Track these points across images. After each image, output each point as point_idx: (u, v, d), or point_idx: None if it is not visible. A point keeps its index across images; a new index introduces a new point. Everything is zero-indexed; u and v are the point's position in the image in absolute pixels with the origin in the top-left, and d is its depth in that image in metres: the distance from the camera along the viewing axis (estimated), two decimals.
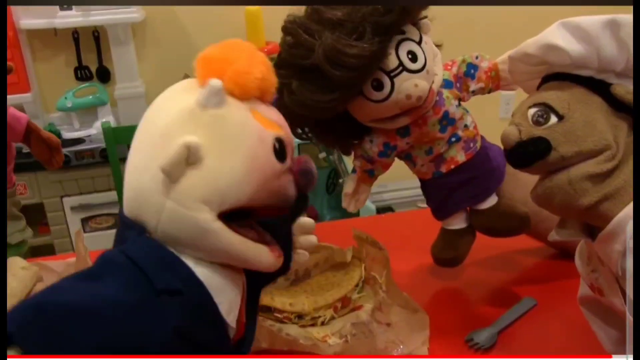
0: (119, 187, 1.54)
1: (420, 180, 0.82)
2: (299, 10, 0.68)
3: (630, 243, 0.51)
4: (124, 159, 0.51)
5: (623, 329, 0.56)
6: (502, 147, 0.58)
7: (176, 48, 2.08)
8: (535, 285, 0.86)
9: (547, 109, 0.55)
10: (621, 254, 0.52)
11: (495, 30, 2.15)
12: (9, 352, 0.39)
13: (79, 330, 0.41)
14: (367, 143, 0.76)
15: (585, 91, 0.56)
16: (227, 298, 0.49)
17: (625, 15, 0.53)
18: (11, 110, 1.16)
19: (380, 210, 2.18)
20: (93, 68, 2.09)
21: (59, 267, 0.83)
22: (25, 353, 0.39)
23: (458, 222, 0.81)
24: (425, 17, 0.71)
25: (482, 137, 0.79)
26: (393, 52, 0.67)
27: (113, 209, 1.94)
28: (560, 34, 0.56)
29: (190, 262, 0.47)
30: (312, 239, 0.64)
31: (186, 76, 0.52)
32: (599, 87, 0.56)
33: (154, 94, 0.49)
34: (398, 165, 0.81)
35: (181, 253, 0.47)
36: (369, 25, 0.64)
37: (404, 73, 0.67)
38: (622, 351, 0.61)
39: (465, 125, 0.77)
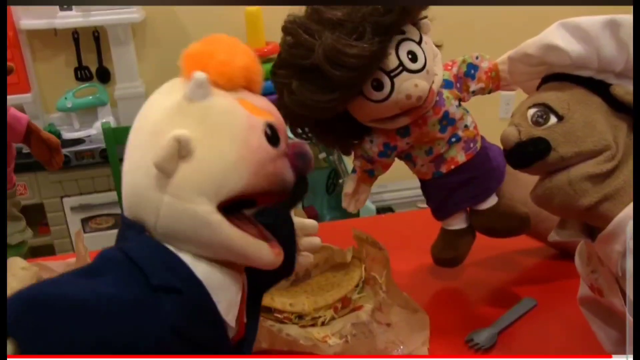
0: (118, 187, 1.54)
1: (420, 180, 0.82)
2: (299, 10, 0.68)
3: (630, 243, 0.50)
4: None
5: (623, 329, 0.56)
6: (502, 147, 0.58)
7: (176, 48, 2.00)
8: (535, 285, 0.86)
9: (547, 109, 0.55)
10: (621, 255, 0.52)
11: (495, 31, 2.14)
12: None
13: (73, 323, 0.41)
14: (367, 143, 0.76)
15: (585, 92, 0.56)
16: (226, 297, 0.48)
17: (625, 16, 0.53)
18: (11, 111, 1.16)
19: (380, 210, 2.18)
20: (93, 68, 2.09)
21: (59, 268, 0.83)
22: (19, 343, 0.39)
23: (458, 223, 0.81)
24: (425, 17, 0.71)
25: (482, 138, 0.79)
26: (393, 52, 0.67)
27: (113, 210, 1.94)
28: (560, 34, 0.56)
29: (189, 260, 0.47)
30: (315, 240, 0.64)
31: None
32: (598, 87, 0.56)
33: None
34: (398, 165, 0.81)
35: (180, 250, 0.47)
36: (369, 25, 0.64)
37: (404, 73, 0.67)
38: (622, 351, 0.61)
39: (466, 126, 0.77)
